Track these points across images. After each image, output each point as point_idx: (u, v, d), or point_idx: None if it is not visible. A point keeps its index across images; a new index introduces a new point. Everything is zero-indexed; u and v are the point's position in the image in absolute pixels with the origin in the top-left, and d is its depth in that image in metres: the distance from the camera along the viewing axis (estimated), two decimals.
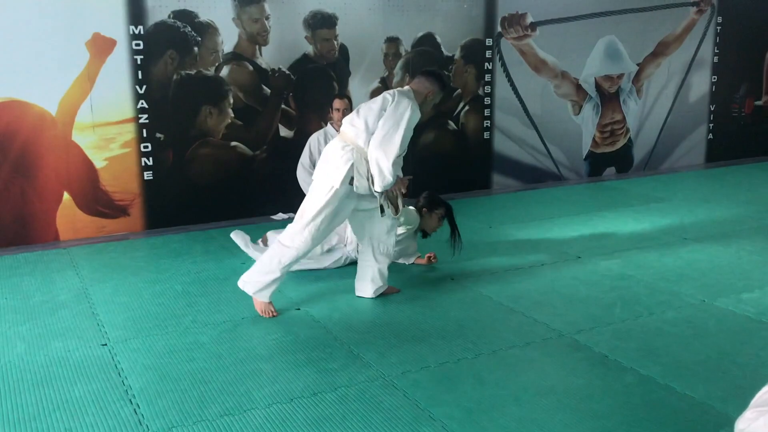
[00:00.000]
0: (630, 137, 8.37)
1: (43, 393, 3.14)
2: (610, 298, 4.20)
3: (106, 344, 3.65)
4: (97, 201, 5.78)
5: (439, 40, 6.98)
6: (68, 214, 5.69)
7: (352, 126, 3.97)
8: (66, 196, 5.66)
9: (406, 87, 4.11)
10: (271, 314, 3.98)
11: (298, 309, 4.12)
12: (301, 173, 5.95)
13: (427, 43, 6.93)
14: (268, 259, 3.97)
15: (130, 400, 3.06)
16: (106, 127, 5.71)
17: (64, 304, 4.24)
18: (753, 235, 5.55)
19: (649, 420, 2.84)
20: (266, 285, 3.95)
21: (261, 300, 3.99)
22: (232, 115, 6.15)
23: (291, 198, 6.40)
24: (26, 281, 4.69)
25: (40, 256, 5.26)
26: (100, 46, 5.60)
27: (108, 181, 5.79)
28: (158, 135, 5.89)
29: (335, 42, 6.48)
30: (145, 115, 5.81)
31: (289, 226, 4.05)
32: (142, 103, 5.79)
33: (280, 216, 6.42)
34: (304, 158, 5.96)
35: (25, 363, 3.44)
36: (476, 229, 5.84)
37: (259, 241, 4.95)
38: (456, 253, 4.77)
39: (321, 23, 6.39)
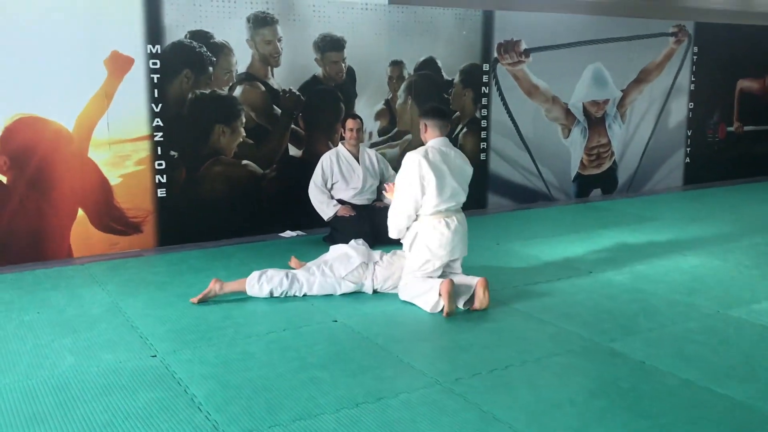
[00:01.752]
0: (615, 160, 8.72)
1: (109, 402, 3.18)
2: (632, 309, 4.42)
3: (155, 356, 3.71)
4: (111, 217, 5.80)
5: (439, 64, 7.22)
6: (82, 231, 5.69)
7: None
8: (80, 212, 5.67)
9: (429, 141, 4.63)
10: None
11: (335, 321, 4.23)
12: (313, 191, 6.08)
13: (428, 67, 7.16)
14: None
15: (199, 408, 3.12)
16: (121, 144, 5.75)
17: (100, 318, 4.27)
18: (747, 250, 5.86)
19: (701, 418, 3.03)
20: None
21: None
22: (244, 134, 6.25)
23: (299, 216, 6.55)
24: (53, 296, 4.69)
25: (59, 272, 5.25)
26: (118, 64, 5.66)
27: (122, 198, 5.82)
28: (172, 153, 5.95)
29: (343, 64, 6.65)
30: (160, 133, 5.88)
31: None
32: (158, 121, 5.85)
33: (288, 234, 6.51)
34: (317, 177, 6.08)
35: (80, 374, 3.47)
36: (486, 246, 6.03)
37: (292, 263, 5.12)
38: None
39: (330, 46, 6.56)
